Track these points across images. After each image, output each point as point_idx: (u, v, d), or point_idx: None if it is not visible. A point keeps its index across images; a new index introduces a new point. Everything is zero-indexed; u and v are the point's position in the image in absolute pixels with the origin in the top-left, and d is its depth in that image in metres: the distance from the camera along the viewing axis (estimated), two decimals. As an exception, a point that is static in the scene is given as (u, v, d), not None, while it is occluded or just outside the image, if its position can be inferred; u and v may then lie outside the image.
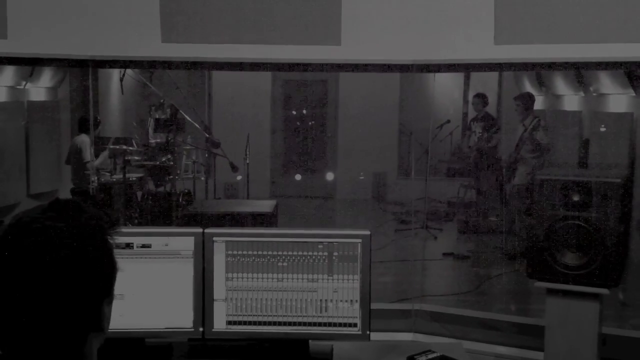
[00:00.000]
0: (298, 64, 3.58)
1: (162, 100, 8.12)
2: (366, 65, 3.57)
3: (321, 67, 3.70)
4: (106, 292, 1.13)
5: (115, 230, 1.17)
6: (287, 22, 3.34)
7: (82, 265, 1.08)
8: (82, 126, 7.51)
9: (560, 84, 8.75)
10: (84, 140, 7.33)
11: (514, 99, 7.28)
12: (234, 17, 3.37)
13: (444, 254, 6.82)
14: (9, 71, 7.59)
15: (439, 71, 3.80)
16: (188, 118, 7.09)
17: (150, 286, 2.18)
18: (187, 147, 7.82)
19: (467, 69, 5.42)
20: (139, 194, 6.95)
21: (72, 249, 1.07)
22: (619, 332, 3.51)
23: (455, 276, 6.40)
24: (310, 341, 2.24)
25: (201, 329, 2.21)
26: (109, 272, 1.14)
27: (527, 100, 7.09)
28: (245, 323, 2.21)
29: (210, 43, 3.41)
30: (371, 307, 2.22)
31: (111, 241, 1.15)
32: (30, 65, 7.07)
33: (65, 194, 7.95)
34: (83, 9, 3.38)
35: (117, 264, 1.16)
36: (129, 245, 2.17)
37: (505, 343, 3.51)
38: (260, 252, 2.20)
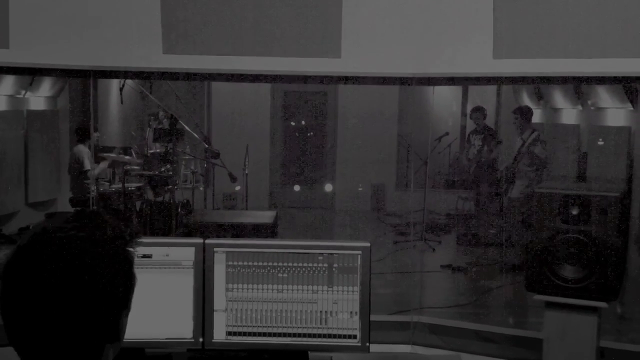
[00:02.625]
0: (298, 76, 3.60)
1: (158, 111, 8.15)
2: (366, 77, 3.59)
3: (321, 79, 3.72)
4: (124, 304, 1.14)
5: (136, 242, 1.18)
6: (287, 34, 3.36)
7: (103, 276, 1.09)
8: (80, 136, 7.52)
9: (559, 98, 8.79)
10: (82, 150, 7.34)
11: (513, 112, 7.31)
12: (234, 28, 3.39)
13: (442, 266, 6.82)
14: (9, 80, 7.61)
15: (438, 84, 3.82)
16: (187, 128, 7.10)
17: (150, 296, 2.18)
18: (186, 157, 7.84)
19: (466, 82, 5.45)
20: (138, 203, 6.95)
21: (93, 259, 1.09)
22: (617, 346, 3.51)
23: (454, 288, 6.40)
24: (309, 352, 2.24)
25: (201, 340, 2.22)
26: (129, 283, 1.15)
27: (525, 113, 7.12)
28: (245, 334, 2.22)
29: (210, 54, 3.43)
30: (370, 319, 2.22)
31: (132, 253, 1.16)
32: (31, 75, 7.10)
33: (64, 203, 7.95)
34: (85, 20, 3.40)
35: (135, 275, 1.17)
36: (129, 255, 2.17)
37: (503, 356, 3.50)
38: (260, 263, 2.21)
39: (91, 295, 1.07)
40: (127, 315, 1.16)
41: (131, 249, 1.16)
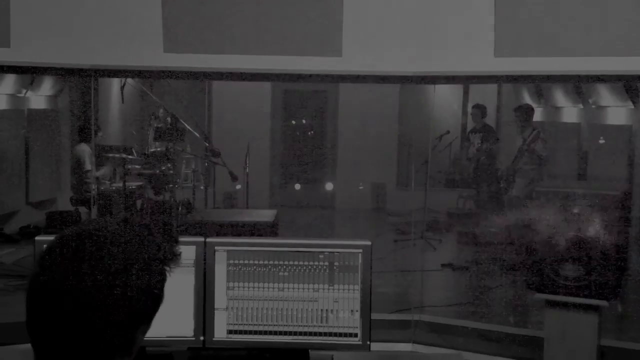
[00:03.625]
0: (300, 75, 3.60)
1: (160, 110, 8.14)
2: (366, 76, 3.59)
3: (322, 78, 3.72)
4: (145, 320, 1.12)
5: (175, 263, 1.16)
6: (288, 33, 3.36)
7: (131, 288, 1.07)
8: (82, 135, 7.52)
9: (559, 96, 8.79)
10: (84, 149, 7.34)
11: (514, 111, 7.31)
12: (235, 27, 3.39)
13: (443, 265, 6.82)
14: (10, 79, 7.61)
15: (439, 83, 3.82)
16: (188, 127, 7.11)
17: (151, 295, 2.18)
18: (187, 156, 7.84)
19: (467, 80, 5.45)
20: (139, 202, 6.95)
21: (125, 268, 1.07)
22: (618, 344, 3.52)
23: (454, 287, 6.40)
24: (310, 351, 2.24)
25: (202, 338, 2.22)
26: (155, 302, 1.13)
27: (526, 112, 7.12)
28: (245, 332, 2.22)
29: (211, 53, 3.44)
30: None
31: (166, 272, 1.14)
32: (32, 74, 7.10)
33: (64, 202, 7.96)
34: (86, 19, 3.40)
35: (163, 296, 1.14)
36: (130, 254, 2.17)
37: (504, 354, 3.51)
38: (261, 262, 2.21)
39: (115, 304, 1.06)
40: (144, 332, 1.13)
41: (167, 268, 1.14)
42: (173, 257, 1.16)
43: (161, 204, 6.66)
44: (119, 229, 1.12)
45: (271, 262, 2.21)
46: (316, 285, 2.20)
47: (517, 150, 6.90)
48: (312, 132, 11.57)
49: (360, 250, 2.21)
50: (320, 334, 2.21)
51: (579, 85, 7.87)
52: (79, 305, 1.04)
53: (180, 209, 6.53)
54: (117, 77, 6.76)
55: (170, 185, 6.72)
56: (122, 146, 8.00)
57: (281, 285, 2.21)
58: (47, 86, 8.49)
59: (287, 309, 2.21)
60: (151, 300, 1.11)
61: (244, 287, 2.21)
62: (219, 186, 8.10)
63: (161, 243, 1.15)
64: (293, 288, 2.20)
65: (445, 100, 10.13)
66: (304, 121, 11.56)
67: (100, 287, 1.05)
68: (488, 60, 3.23)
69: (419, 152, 8.08)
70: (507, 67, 3.22)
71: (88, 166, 7.16)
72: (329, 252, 2.20)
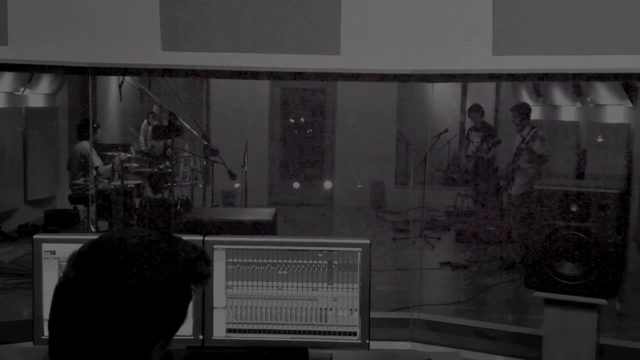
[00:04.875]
0: (299, 73, 3.60)
1: (154, 107, 8.14)
2: (365, 74, 3.59)
3: (321, 76, 3.72)
4: (164, 337, 1.10)
5: (202, 284, 1.14)
6: (287, 31, 3.36)
7: (157, 302, 1.06)
8: (83, 132, 7.50)
9: (558, 95, 8.79)
10: (86, 147, 7.33)
11: (511, 110, 7.31)
12: (234, 26, 3.38)
13: (442, 263, 6.82)
14: (7, 77, 7.60)
15: (438, 81, 3.82)
16: (186, 125, 7.10)
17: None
18: (185, 155, 7.83)
19: (466, 79, 5.44)
20: (137, 200, 6.95)
21: (155, 282, 1.05)
22: (617, 343, 3.52)
23: (453, 285, 6.40)
24: (309, 349, 2.24)
25: (201, 337, 2.21)
26: (177, 320, 1.11)
27: (523, 111, 7.11)
28: (245, 331, 2.22)
29: (209, 51, 3.43)
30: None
31: (193, 292, 1.12)
32: (30, 72, 7.09)
33: (62, 200, 7.95)
34: (84, 17, 3.39)
35: (187, 315, 1.13)
36: (129, 253, 2.17)
37: (503, 353, 3.51)
38: (260, 260, 2.21)
39: (137, 315, 1.04)
40: (163, 348, 1.11)
41: (194, 288, 1.12)
42: (203, 278, 1.14)
43: (160, 202, 6.65)
44: (155, 240, 1.10)
45: (270, 261, 2.20)
46: (315, 284, 2.20)
47: (516, 149, 6.90)
48: (311, 130, 11.57)
49: (360, 249, 2.20)
50: (319, 332, 2.21)
51: (578, 84, 7.87)
52: (102, 312, 1.03)
53: (178, 207, 6.53)
54: (116, 75, 6.75)
55: (169, 184, 6.72)
56: (120, 144, 8.00)
57: (280, 283, 2.20)
58: (45, 84, 8.47)
59: (286, 308, 2.20)
60: (174, 317, 1.10)
61: (243, 286, 2.21)
62: (217, 184, 8.10)
63: (194, 261, 1.12)
64: (292, 287, 2.20)
65: (443, 98, 10.13)
66: (302, 119, 11.56)
67: (126, 297, 1.03)
68: (487, 58, 3.22)
69: (417, 150, 8.08)
70: (505, 65, 3.22)
71: (97, 163, 7.13)
72: (328, 251, 2.20)
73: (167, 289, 1.07)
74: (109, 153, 7.31)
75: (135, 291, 1.04)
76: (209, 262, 1.17)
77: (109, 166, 7.18)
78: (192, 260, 1.12)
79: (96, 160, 7.13)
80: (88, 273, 1.05)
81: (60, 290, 1.07)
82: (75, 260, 1.07)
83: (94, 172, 6.91)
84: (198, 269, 1.13)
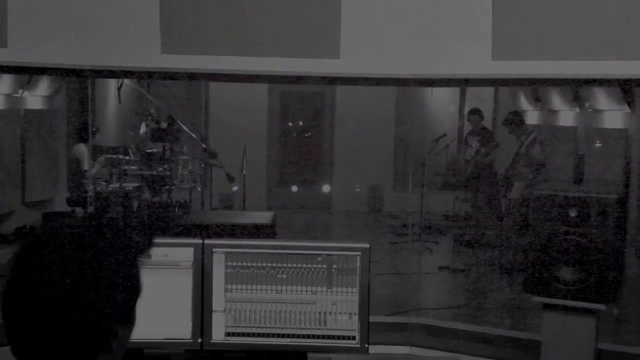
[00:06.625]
0: (298, 77, 3.59)
1: (152, 110, 8.13)
2: (365, 78, 3.59)
3: (320, 80, 3.72)
4: (122, 314, 1.11)
5: (147, 255, 1.15)
6: (285, 34, 3.36)
7: (103, 281, 1.07)
8: (81, 135, 7.50)
9: (556, 100, 8.80)
10: (82, 150, 7.32)
11: (503, 124, 7.34)
12: (233, 29, 3.39)
13: (440, 268, 6.82)
14: (6, 79, 7.59)
15: (437, 85, 3.82)
16: (185, 128, 7.10)
17: (148, 296, 2.17)
18: (184, 157, 7.83)
19: (465, 83, 5.45)
20: (135, 203, 6.94)
21: (95, 262, 1.07)
22: (615, 348, 3.52)
23: (451, 290, 6.40)
24: (308, 353, 2.24)
25: (199, 340, 2.21)
26: (130, 295, 1.13)
27: (515, 121, 7.11)
28: (243, 335, 2.21)
29: (209, 55, 3.43)
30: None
31: (140, 265, 1.14)
32: (30, 74, 7.08)
33: (60, 202, 7.93)
34: (83, 19, 3.39)
35: (141, 289, 1.14)
36: (128, 256, 2.16)
37: (501, 357, 3.51)
38: (259, 264, 2.20)
39: (86, 298, 1.05)
40: (129, 329, 1.13)
41: (139, 260, 1.13)
42: (145, 247, 1.16)
43: (158, 205, 6.65)
44: (87, 224, 1.12)
45: (269, 265, 2.20)
46: (314, 288, 2.20)
47: (514, 154, 6.91)
48: (309, 133, 11.57)
49: (359, 253, 2.20)
50: (318, 336, 2.20)
51: (576, 89, 7.88)
52: (52, 305, 1.04)
53: (177, 210, 6.52)
54: (115, 77, 6.75)
55: (167, 186, 6.71)
56: (119, 147, 7.99)
57: (279, 287, 2.20)
58: (43, 86, 8.46)
59: (285, 312, 2.20)
60: (124, 293, 1.11)
61: (242, 289, 2.20)
62: (215, 188, 8.09)
63: (132, 234, 1.14)
64: (291, 290, 2.20)
65: (441, 102, 10.14)
66: (301, 123, 11.56)
67: (72, 285, 1.05)
68: (486, 63, 3.22)
69: (416, 154, 8.09)
70: (504, 70, 3.22)
71: (86, 167, 7.14)
72: (328, 255, 2.20)
73: (112, 268, 1.08)
74: (107, 156, 7.31)
75: (83, 277, 1.05)
76: (150, 230, 1.20)
77: (100, 161, 7.17)
78: (131, 235, 1.14)
79: (86, 164, 7.13)
80: (32, 270, 1.06)
81: (6, 296, 1.07)
82: (14, 263, 1.08)
83: (85, 175, 6.91)
84: (139, 242, 1.14)
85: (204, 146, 7.51)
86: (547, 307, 2.96)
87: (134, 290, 1.13)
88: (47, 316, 1.04)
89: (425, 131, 6.59)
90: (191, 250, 2.20)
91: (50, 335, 1.05)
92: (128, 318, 1.13)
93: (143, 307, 2.14)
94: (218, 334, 2.21)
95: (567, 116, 8.77)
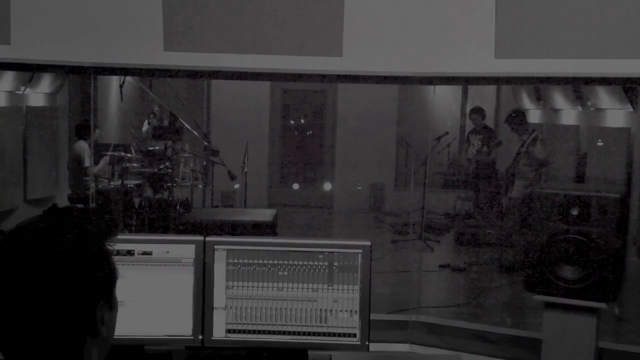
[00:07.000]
0: (300, 75, 3.59)
1: (155, 108, 8.14)
2: (367, 76, 3.59)
3: (322, 78, 3.71)
4: (101, 296, 1.13)
5: (113, 236, 1.17)
6: (288, 32, 3.36)
7: (75, 268, 1.09)
8: (81, 133, 7.51)
9: (559, 99, 8.79)
10: (83, 147, 7.33)
11: (506, 122, 7.33)
12: (235, 26, 3.39)
13: (441, 266, 6.82)
14: (8, 76, 7.59)
15: (439, 84, 3.82)
16: (187, 126, 7.10)
17: (150, 293, 2.18)
18: (186, 155, 7.84)
19: (467, 82, 5.45)
20: (137, 200, 6.95)
21: (65, 251, 1.09)
22: (616, 347, 3.52)
23: (452, 288, 6.40)
24: (309, 351, 2.24)
25: (200, 337, 2.21)
26: (105, 276, 1.14)
27: (517, 120, 7.10)
28: (244, 332, 2.22)
29: (211, 52, 3.43)
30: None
31: (109, 247, 1.16)
32: (33, 71, 7.08)
33: (62, 200, 7.94)
34: (86, 17, 3.39)
35: (116, 270, 1.16)
36: (129, 252, 2.17)
37: (502, 356, 3.51)
38: (260, 261, 2.21)
39: (62, 286, 1.07)
40: (110, 310, 1.15)
41: (107, 242, 1.15)
42: (110, 231, 1.17)
43: (159, 202, 6.65)
44: (48, 218, 1.15)
45: (271, 262, 2.20)
46: (315, 285, 2.20)
47: (516, 153, 6.90)
48: (311, 132, 11.57)
49: (360, 251, 2.20)
50: (319, 334, 2.21)
51: (578, 88, 7.88)
52: (30, 299, 1.06)
53: (178, 207, 6.53)
54: (117, 75, 6.76)
55: (169, 184, 6.72)
56: (121, 144, 8.00)
57: (280, 284, 2.20)
58: (45, 83, 8.47)
59: (286, 309, 2.20)
60: (99, 275, 1.13)
61: (243, 287, 2.21)
62: (217, 185, 8.10)
63: (92, 219, 1.16)
64: (292, 288, 2.20)
65: (443, 101, 10.14)
66: (302, 121, 11.56)
67: (44, 278, 1.06)
68: (488, 61, 3.22)
69: (417, 152, 8.09)
70: (507, 68, 3.22)
71: (86, 163, 7.15)
72: (329, 252, 2.20)
73: (83, 254, 1.10)
74: (108, 153, 7.32)
75: (53, 268, 1.07)
76: (111, 214, 1.22)
77: (105, 160, 7.18)
78: (95, 219, 1.16)
79: (87, 161, 7.14)
80: (2, 270, 1.08)
81: None
82: None
83: (87, 172, 6.92)
84: (103, 225, 1.16)
85: (206, 144, 7.51)
86: (548, 305, 2.96)
87: (106, 271, 1.15)
88: (26, 310, 1.06)
89: (427, 130, 6.58)
90: (192, 247, 2.21)
91: (34, 327, 1.06)
92: (109, 303, 1.15)
93: (144, 304, 2.15)
94: (219, 331, 2.22)
95: (569, 115, 8.76)
